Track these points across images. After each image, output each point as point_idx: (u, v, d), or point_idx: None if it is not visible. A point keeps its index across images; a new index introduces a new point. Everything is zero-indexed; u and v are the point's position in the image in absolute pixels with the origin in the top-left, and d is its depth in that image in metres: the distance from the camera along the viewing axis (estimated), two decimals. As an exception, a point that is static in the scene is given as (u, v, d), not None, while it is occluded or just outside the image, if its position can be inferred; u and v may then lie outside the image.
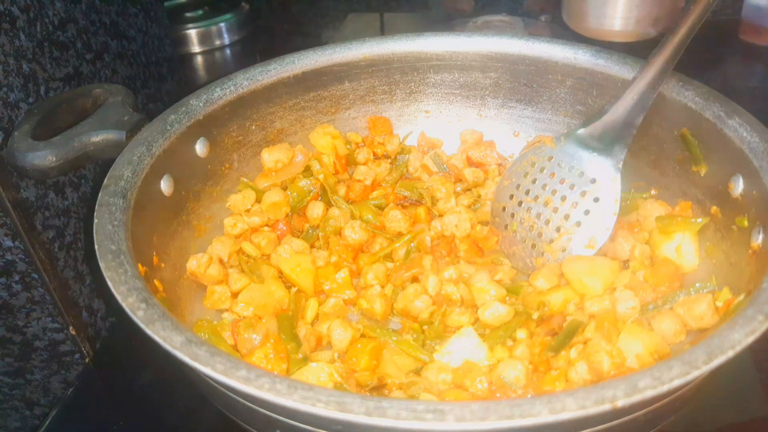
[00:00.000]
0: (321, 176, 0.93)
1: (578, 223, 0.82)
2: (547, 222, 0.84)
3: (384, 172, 0.98)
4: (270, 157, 0.94)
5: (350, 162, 1.00)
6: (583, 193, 0.82)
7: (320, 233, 0.88)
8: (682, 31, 0.76)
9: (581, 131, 0.84)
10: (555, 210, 0.84)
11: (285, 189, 0.92)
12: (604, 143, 0.82)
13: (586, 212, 0.82)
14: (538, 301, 0.75)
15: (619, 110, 0.81)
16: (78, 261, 0.92)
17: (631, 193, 0.87)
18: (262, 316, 0.76)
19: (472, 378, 0.66)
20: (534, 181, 0.87)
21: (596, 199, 0.82)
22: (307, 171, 0.95)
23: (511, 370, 0.66)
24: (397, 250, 0.86)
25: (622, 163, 0.81)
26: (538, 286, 0.77)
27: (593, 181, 0.82)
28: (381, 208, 0.92)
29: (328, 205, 0.92)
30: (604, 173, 0.82)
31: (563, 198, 0.84)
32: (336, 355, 0.75)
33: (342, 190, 0.95)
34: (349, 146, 1.00)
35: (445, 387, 0.67)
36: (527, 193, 0.87)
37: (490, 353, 0.70)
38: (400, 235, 0.87)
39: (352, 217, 0.90)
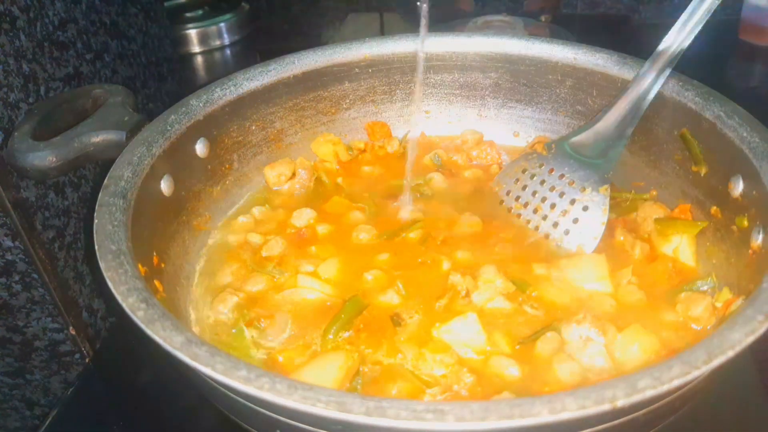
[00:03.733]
0: (339, 180, 0.96)
1: (567, 232, 0.82)
2: (536, 229, 0.84)
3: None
4: (272, 172, 0.95)
5: (354, 169, 1.00)
6: (573, 202, 0.83)
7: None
8: (679, 38, 0.76)
9: (573, 139, 0.85)
10: (544, 218, 0.84)
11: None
12: (595, 152, 0.83)
13: (575, 221, 0.82)
14: (538, 299, 0.75)
15: (610, 119, 0.81)
16: (78, 261, 0.92)
17: (632, 193, 0.87)
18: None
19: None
20: (524, 188, 0.87)
21: (585, 208, 0.82)
22: (319, 181, 0.96)
23: (506, 367, 0.66)
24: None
25: (612, 172, 0.81)
26: (542, 273, 0.77)
27: (583, 189, 0.82)
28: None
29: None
30: (593, 182, 0.82)
31: (552, 206, 0.84)
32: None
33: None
34: (351, 152, 1.01)
35: (442, 368, 0.67)
36: (517, 199, 0.87)
37: (488, 342, 0.70)
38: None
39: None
